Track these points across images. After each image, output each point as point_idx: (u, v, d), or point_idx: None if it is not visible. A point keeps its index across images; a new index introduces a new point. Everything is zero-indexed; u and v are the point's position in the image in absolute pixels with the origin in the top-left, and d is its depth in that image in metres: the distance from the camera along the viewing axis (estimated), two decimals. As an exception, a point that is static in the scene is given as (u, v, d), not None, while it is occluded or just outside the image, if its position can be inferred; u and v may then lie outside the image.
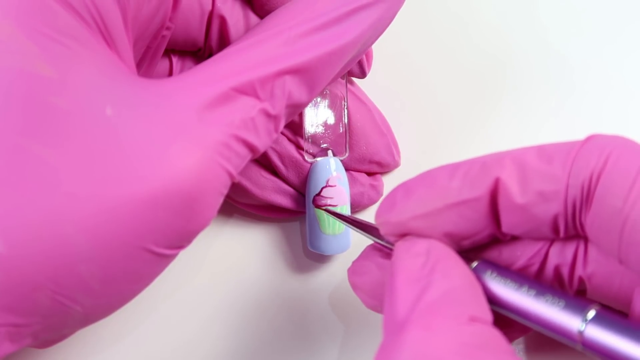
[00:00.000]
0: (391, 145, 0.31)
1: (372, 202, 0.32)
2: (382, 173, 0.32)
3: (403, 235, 0.22)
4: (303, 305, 0.31)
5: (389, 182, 0.32)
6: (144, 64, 0.27)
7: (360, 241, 0.31)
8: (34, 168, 0.20)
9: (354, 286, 0.24)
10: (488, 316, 0.19)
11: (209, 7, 0.27)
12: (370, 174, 0.32)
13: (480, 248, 0.22)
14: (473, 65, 0.33)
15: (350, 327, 0.31)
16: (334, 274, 0.31)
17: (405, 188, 0.22)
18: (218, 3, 0.27)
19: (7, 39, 0.21)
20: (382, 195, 0.32)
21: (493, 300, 0.21)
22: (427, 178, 0.22)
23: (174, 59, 0.28)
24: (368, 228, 0.25)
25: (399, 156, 0.32)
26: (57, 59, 0.21)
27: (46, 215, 0.20)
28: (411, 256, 0.21)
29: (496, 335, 0.19)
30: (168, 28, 0.26)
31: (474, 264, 0.21)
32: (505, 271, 0.21)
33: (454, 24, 0.33)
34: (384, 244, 0.24)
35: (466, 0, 0.33)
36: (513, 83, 0.33)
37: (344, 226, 0.30)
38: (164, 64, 0.28)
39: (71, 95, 0.21)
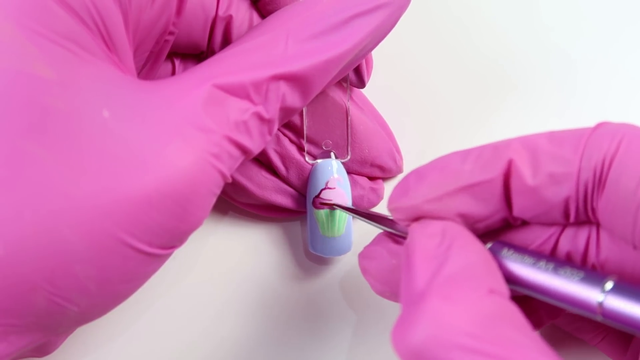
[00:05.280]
0: (393, 149, 0.31)
1: (372, 206, 0.31)
2: (384, 179, 0.32)
3: (416, 219, 0.22)
4: (303, 305, 0.31)
5: (390, 187, 0.32)
6: (146, 67, 0.27)
7: (362, 243, 0.31)
8: (30, 169, 0.21)
9: (364, 271, 0.24)
10: (505, 290, 0.20)
11: (213, 13, 0.27)
12: (372, 178, 0.31)
13: (493, 234, 0.23)
14: (475, 66, 0.33)
15: (354, 330, 0.31)
16: (334, 273, 0.31)
17: (417, 174, 0.22)
18: (222, 7, 0.27)
19: (7, 40, 0.21)
20: (382, 198, 0.31)
21: (511, 278, 0.21)
22: (439, 163, 0.22)
23: (177, 62, 0.28)
24: (378, 218, 0.25)
25: (402, 162, 0.32)
26: (57, 60, 0.21)
27: (42, 216, 0.21)
28: (427, 236, 0.21)
29: (513, 309, 0.19)
30: (171, 33, 0.26)
31: (489, 244, 0.22)
32: (521, 249, 0.21)
33: (456, 26, 0.33)
34: (395, 232, 0.24)
35: (467, 1, 0.33)
36: (515, 84, 0.33)
37: (344, 228, 0.30)
38: (166, 67, 0.28)
39: (69, 97, 0.21)
